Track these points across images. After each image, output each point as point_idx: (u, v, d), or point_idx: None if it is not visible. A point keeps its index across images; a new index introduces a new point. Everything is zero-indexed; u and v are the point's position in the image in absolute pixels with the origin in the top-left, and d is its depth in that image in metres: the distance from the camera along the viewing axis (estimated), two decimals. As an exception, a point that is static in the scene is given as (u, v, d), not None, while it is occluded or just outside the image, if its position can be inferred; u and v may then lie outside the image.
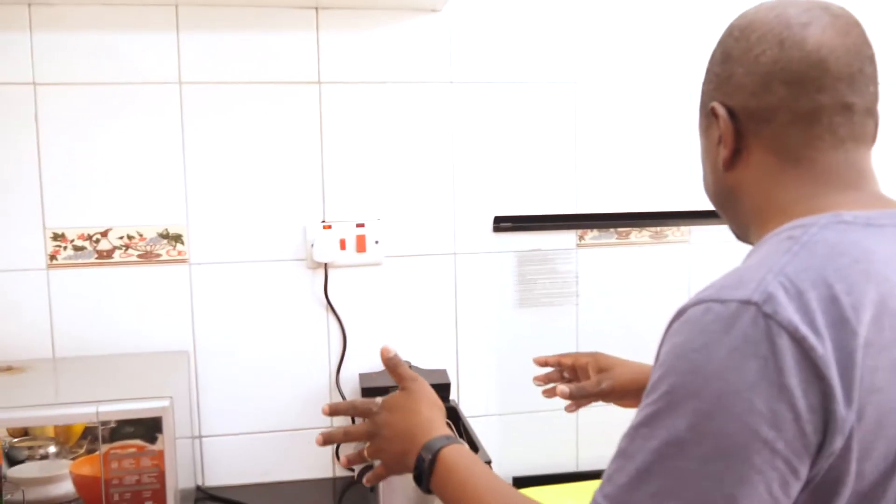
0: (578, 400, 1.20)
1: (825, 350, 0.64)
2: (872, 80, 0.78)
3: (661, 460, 0.67)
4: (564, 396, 1.19)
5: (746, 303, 0.66)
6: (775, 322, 0.65)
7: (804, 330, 0.64)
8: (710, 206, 0.94)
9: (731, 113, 0.81)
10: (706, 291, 0.71)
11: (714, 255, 1.80)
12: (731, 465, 0.64)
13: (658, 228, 1.77)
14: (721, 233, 1.77)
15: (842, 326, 0.65)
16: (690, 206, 1.76)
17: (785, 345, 0.64)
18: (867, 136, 0.79)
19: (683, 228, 1.79)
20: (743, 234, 0.91)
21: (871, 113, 0.79)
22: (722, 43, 0.84)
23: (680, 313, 0.72)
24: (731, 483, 0.64)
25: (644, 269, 1.78)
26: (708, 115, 0.85)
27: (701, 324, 0.68)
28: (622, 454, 0.70)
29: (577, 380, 1.26)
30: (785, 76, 0.77)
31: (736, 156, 0.83)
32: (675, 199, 1.76)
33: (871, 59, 0.78)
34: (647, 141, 1.75)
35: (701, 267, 1.80)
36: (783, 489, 0.65)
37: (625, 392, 1.19)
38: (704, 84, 0.87)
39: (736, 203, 0.86)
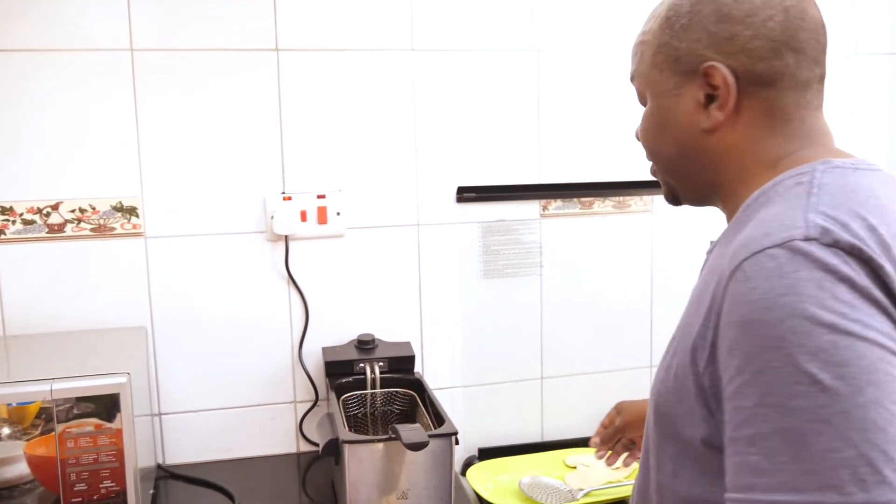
0: (608, 444, 1.34)
1: (889, 268, 0.65)
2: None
3: (813, 415, 0.62)
4: (595, 446, 1.35)
5: (807, 239, 0.66)
6: (841, 249, 0.65)
7: (868, 251, 0.65)
8: None
9: (734, 74, 0.79)
10: (749, 245, 0.68)
11: (676, 224, 1.81)
12: (879, 384, 0.62)
13: (621, 198, 1.77)
14: (683, 202, 1.79)
15: (887, 251, 0.67)
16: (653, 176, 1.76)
17: (857, 267, 0.65)
18: (823, 102, 0.84)
19: (646, 198, 1.79)
20: (701, 197, 0.89)
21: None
22: (710, 0, 0.81)
23: (732, 274, 0.68)
24: (889, 401, 0.62)
25: (607, 240, 1.78)
26: (685, 72, 0.82)
27: (773, 270, 0.65)
28: (760, 437, 0.64)
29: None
30: (794, 44, 0.78)
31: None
32: (637, 168, 1.76)
33: None
34: (610, 110, 1.74)
35: (663, 236, 1.81)
36: None
37: (638, 421, 1.30)
38: (678, 40, 0.82)
39: (707, 166, 0.84)
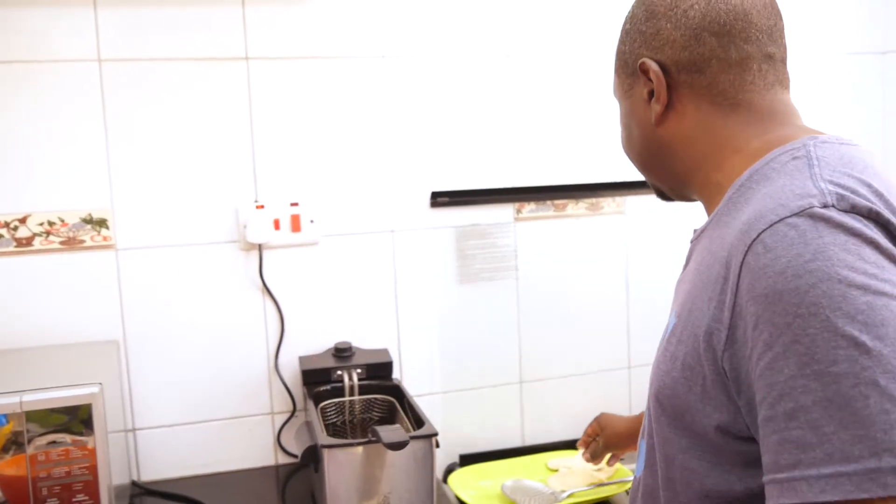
0: (598, 458, 1.43)
1: None
2: (783, 34, 0.85)
3: (858, 378, 0.60)
4: (587, 461, 1.44)
5: (824, 206, 0.65)
6: (859, 213, 0.66)
7: (886, 215, 0.66)
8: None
9: (662, 67, 0.83)
10: (763, 217, 0.67)
11: (648, 225, 1.82)
12: None
13: (594, 200, 1.78)
14: (655, 203, 1.80)
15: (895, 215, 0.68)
16: (625, 177, 1.77)
17: (876, 229, 0.65)
18: (787, 81, 0.84)
19: (619, 200, 1.80)
20: (679, 189, 0.91)
21: (785, 63, 0.85)
22: (643, 2, 0.86)
23: (749, 248, 0.67)
24: None
25: (581, 242, 1.79)
26: (632, 73, 0.87)
27: (796, 238, 0.64)
28: (801, 411, 0.61)
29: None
30: (714, 28, 0.81)
31: (669, 109, 0.84)
32: (609, 170, 1.77)
33: (781, 16, 0.85)
34: (581, 113, 1.75)
35: (636, 238, 1.82)
36: None
37: (618, 438, 1.39)
38: (624, 45, 0.89)
39: (671, 157, 0.87)
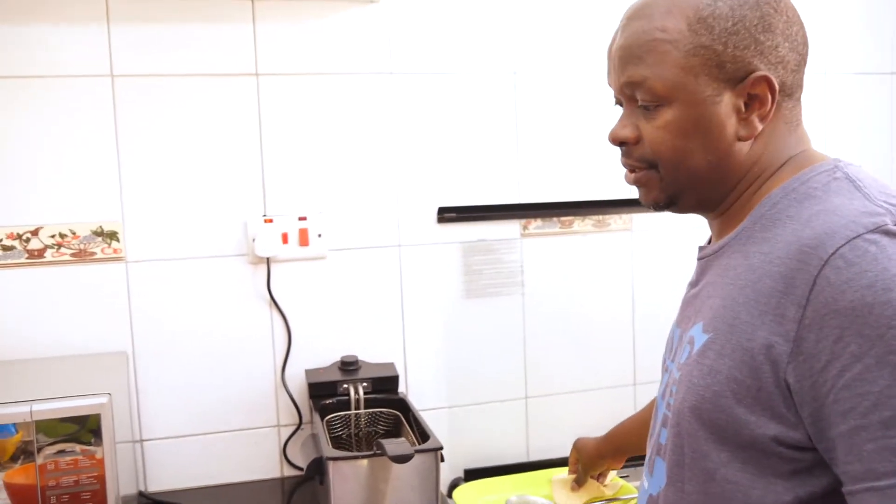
0: (582, 483, 1.49)
1: None
2: None
3: None
4: (574, 490, 1.50)
5: None
6: None
7: None
8: None
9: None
10: (836, 233, 0.69)
11: (655, 242, 1.83)
12: None
13: (601, 217, 1.79)
14: (662, 220, 1.81)
15: None
16: (632, 194, 1.78)
17: None
18: None
19: (625, 217, 1.81)
20: (712, 204, 0.86)
21: None
22: (755, 7, 0.78)
23: (826, 262, 0.68)
24: None
25: (588, 258, 1.80)
26: (728, 79, 0.78)
27: (879, 253, 0.67)
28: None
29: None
30: (806, 57, 0.83)
31: None
32: (616, 187, 1.78)
33: None
34: (587, 129, 1.77)
35: (643, 255, 1.83)
36: None
37: (594, 458, 1.44)
38: (724, 46, 0.77)
39: (729, 174, 0.82)
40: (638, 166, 0.86)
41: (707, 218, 0.90)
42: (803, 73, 0.82)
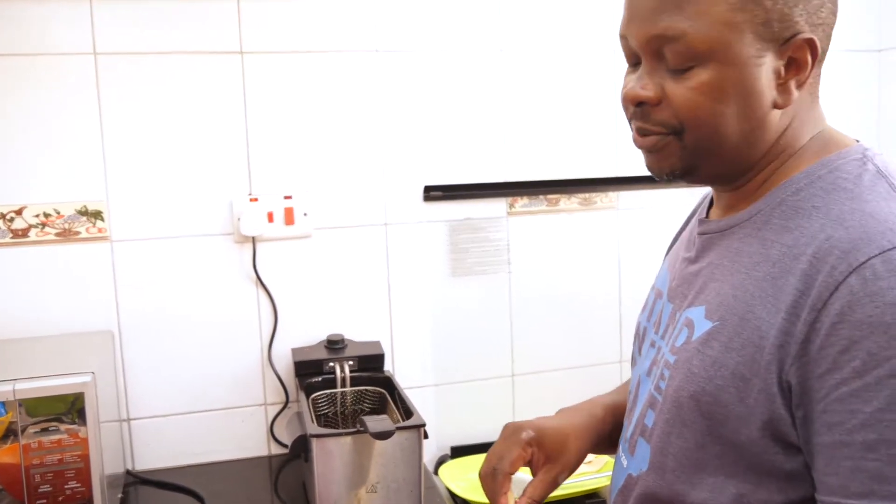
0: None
1: None
2: None
3: None
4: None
5: None
6: None
7: None
8: (636, 172, 0.90)
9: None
10: (874, 241, 0.65)
11: (641, 220, 1.83)
12: None
13: (587, 195, 1.79)
14: (647, 198, 1.81)
15: None
16: (618, 173, 1.78)
17: None
18: None
19: (611, 195, 1.81)
20: (733, 175, 0.79)
21: None
22: None
23: (855, 270, 0.64)
24: None
25: (574, 236, 1.80)
26: (774, 39, 0.71)
27: None
28: (883, 444, 0.62)
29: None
30: (835, 23, 0.76)
31: None
32: (602, 165, 1.78)
33: None
34: (574, 108, 1.76)
35: (628, 233, 1.83)
36: None
37: (556, 439, 0.96)
38: (778, 3, 0.71)
39: (759, 142, 0.76)
40: (655, 130, 0.76)
41: (717, 190, 0.84)
42: (831, 39, 0.76)
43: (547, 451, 0.94)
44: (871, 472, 0.62)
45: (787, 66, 0.73)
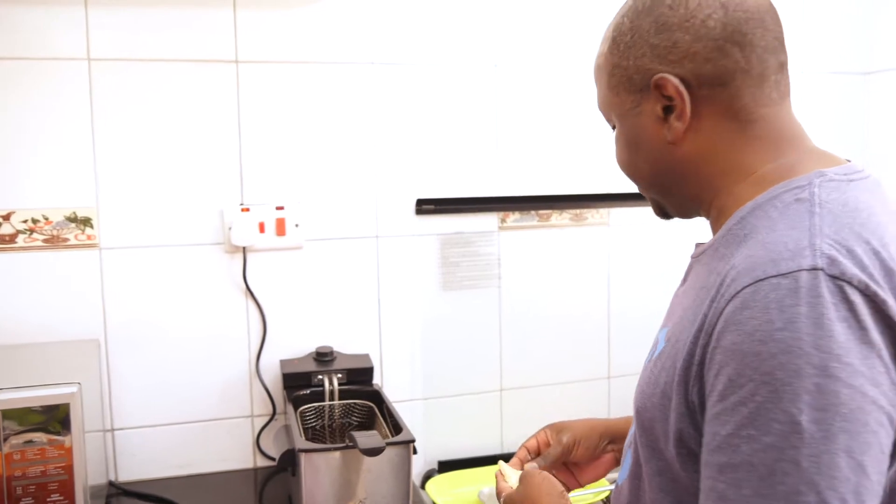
0: (548, 468, 1.06)
1: (892, 301, 0.65)
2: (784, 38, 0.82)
3: (783, 454, 0.62)
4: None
5: (813, 269, 0.65)
6: (845, 282, 0.64)
7: (873, 286, 0.65)
8: (628, 188, 0.92)
9: (683, 82, 0.78)
10: (752, 271, 0.67)
11: (632, 237, 1.84)
12: (853, 434, 0.62)
13: (578, 211, 1.80)
14: (639, 215, 1.82)
15: (890, 277, 0.66)
16: (610, 189, 1.79)
17: (860, 302, 0.64)
18: (789, 89, 0.82)
19: (603, 211, 1.81)
20: (685, 208, 0.87)
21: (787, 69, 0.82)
22: (648, 13, 0.80)
23: (732, 298, 0.67)
24: (859, 451, 0.62)
25: (565, 252, 1.80)
26: (639, 90, 0.81)
27: (774, 302, 0.64)
28: (729, 467, 0.65)
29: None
30: (737, 38, 0.77)
31: (686, 126, 0.80)
32: (594, 181, 1.78)
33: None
34: (567, 124, 1.77)
35: (620, 249, 1.84)
36: (888, 445, 0.64)
37: (587, 442, 1.09)
38: (626, 59, 0.81)
39: (683, 177, 0.82)
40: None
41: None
42: (735, 57, 0.77)
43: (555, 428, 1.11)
44: (719, 493, 0.66)
45: (670, 104, 0.79)
